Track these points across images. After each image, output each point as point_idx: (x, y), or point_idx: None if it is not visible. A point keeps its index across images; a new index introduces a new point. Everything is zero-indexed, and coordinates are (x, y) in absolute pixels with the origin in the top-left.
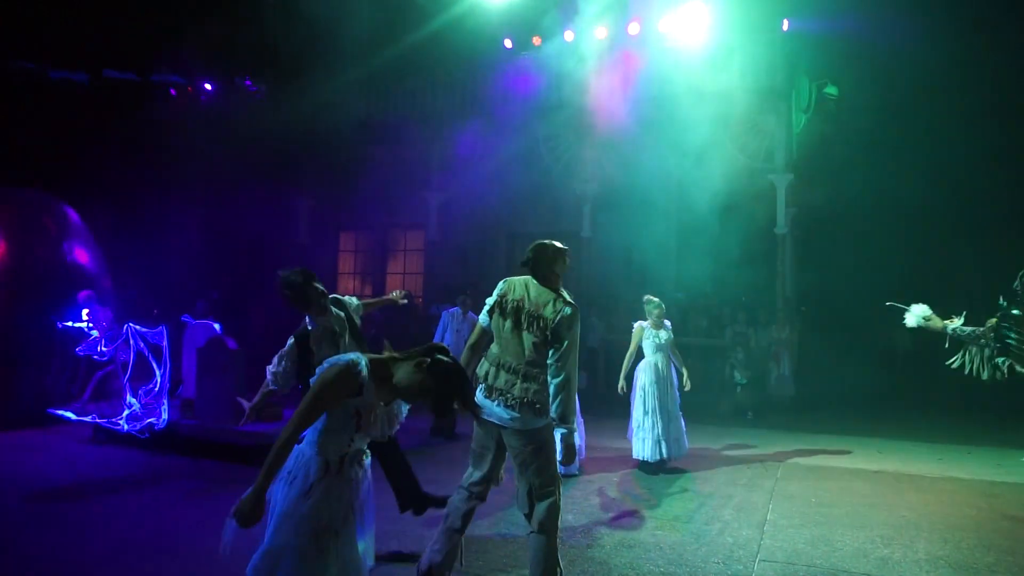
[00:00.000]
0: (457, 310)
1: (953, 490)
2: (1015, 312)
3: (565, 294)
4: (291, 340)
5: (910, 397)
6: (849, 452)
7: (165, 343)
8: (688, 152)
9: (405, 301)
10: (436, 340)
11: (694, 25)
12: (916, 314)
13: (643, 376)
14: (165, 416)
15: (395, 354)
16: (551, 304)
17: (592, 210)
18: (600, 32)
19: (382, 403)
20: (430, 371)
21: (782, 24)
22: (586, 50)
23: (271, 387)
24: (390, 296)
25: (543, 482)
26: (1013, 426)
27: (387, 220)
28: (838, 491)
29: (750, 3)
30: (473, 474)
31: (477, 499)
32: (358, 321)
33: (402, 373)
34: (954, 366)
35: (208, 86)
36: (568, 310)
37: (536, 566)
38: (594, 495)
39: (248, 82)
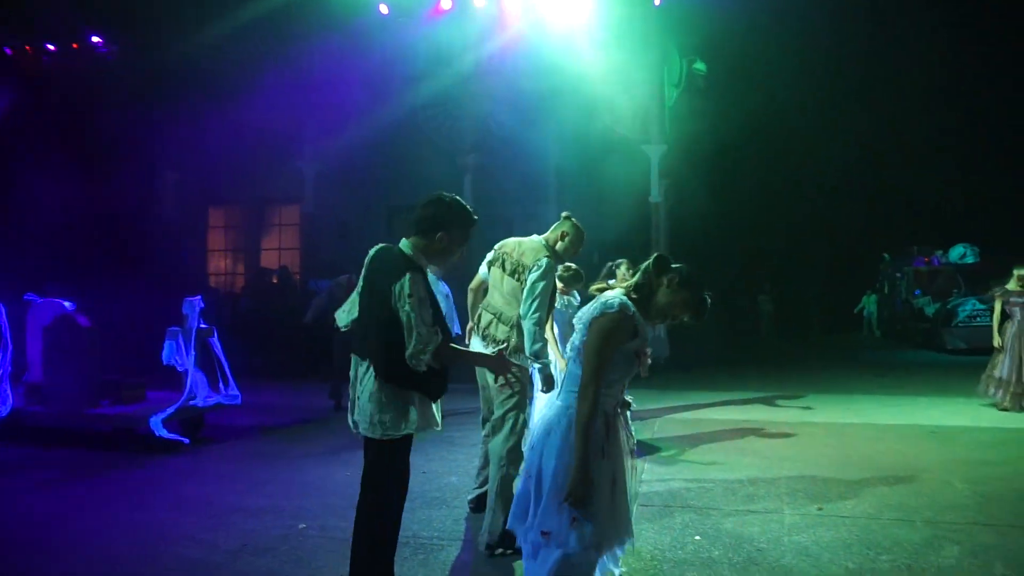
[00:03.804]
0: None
1: (812, 433)
2: None
3: (552, 250)
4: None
5: (772, 354)
6: (719, 405)
7: (4, 322)
8: (565, 123)
9: None
10: (311, 318)
11: None
12: None
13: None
14: (10, 403)
15: (629, 281)
16: (534, 254)
17: (473, 181)
18: (479, 1)
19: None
20: (684, 284)
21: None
22: (464, 19)
23: None
24: None
25: (500, 414)
26: (857, 375)
27: (260, 194)
28: (709, 440)
29: None
30: (483, 411)
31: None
32: None
33: (660, 296)
34: None
35: (51, 46)
36: (545, 260)
37: (489, 495)
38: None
39: (99, 42)
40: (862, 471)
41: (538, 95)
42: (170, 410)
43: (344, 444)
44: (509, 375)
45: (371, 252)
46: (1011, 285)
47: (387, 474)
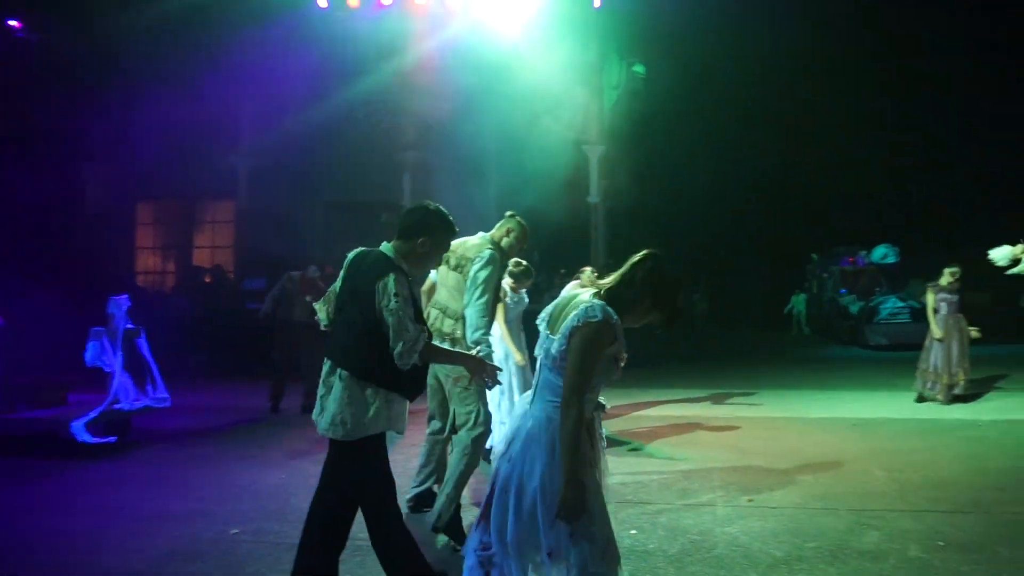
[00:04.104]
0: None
1: (744, 427)
2: None
3: (497, 246)
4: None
5: (706, 352)
6: (656, 403)
7: None
8: (506, 122)
9: None
10: (264, 312)
11: None
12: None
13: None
14: None
15: (599, 283)
16: (477, 248)
17: (412, 179)
18: None
19: None
20: (668, 292)
21: (593, 1)
22: (404, 15)
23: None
24: None
25: (462, 408)
26: (788, 371)
27: (192, 189)
28: (646, 437)
29: None
30: (431, 408)
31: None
32: None
33: (644, 302)
34: None
35: None
36: (488, 252)
37: (444, 484)
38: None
39: (18, 25)
40: (791, 463)
41: (478, 93)
42: (93, 413)
43: (279, 447)
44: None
45: (351, 256)
46: (942, 281)
47: (346, 475)
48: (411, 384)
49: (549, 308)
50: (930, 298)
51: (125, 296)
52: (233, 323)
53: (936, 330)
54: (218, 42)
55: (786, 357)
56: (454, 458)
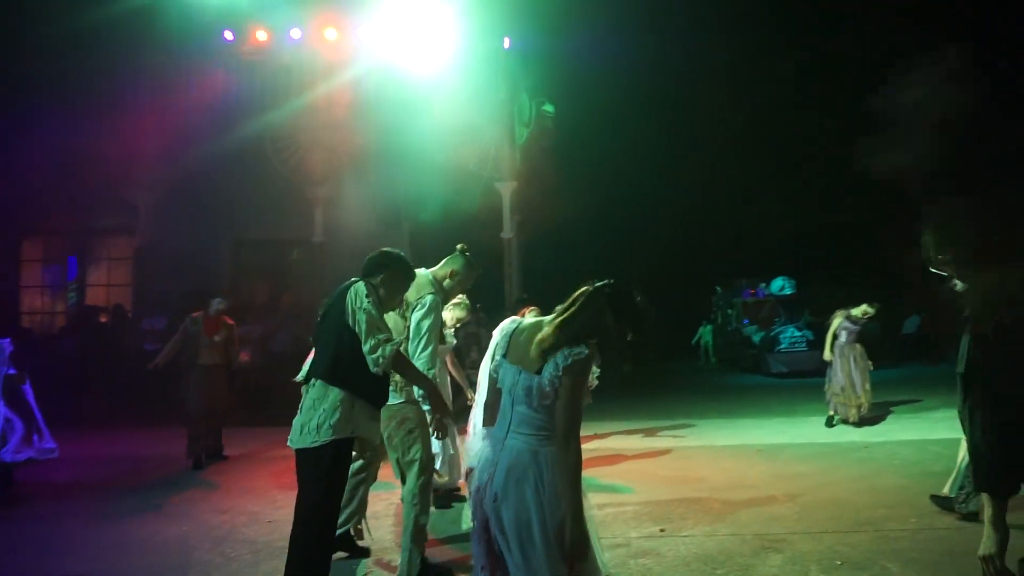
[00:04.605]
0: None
1: (655, 458)
2: None
3: (439, 286)
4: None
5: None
6: None
7: None
8: (418, 158)
9: None
10: (163, 360)
11: (423, 35)
12: None
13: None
14: None
15: (557, 319)
16: (418, 290)
17: (324, 215)
18: (330, 33)
19: None
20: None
21: (503, 42)
22: (315, 51)
23: None
24: None
25: (406, 456)
26: (696, 400)
27: (85, 224)
28: None
29: (473, 20)
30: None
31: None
32: None
33: (609, 330)
34: None
35: None
36: (429, 298)
37: (403, 540)
38: None
39: None
40: (700, 491)
41: (391, 130)
42: None
43: (178, 497)
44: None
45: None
46: (856, 312)
47: (320, 484)
48: (376, 389)
49: (503, 341)
50: (836, 322)
51: (7, 340)
52: (130, 366)
53: (827, 352)
54: (119, 71)
55: (694, 386)
56: (407, 513)
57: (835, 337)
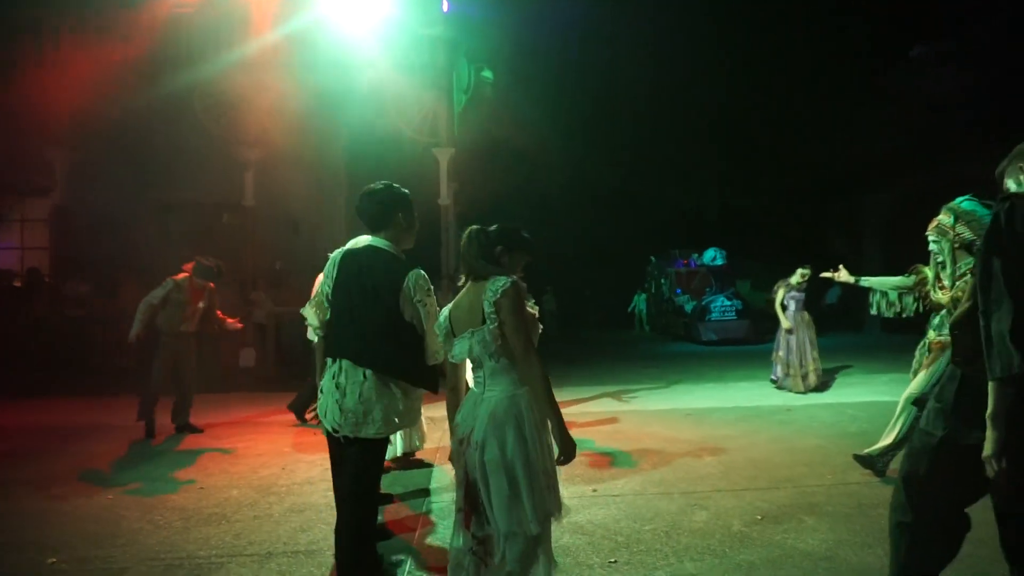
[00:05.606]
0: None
1: (589, 422)
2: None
3: None
4: None
5: (554, 349)
6: None
7: None
8: (354, 122)
9: None
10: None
11: None
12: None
13: None
14: None
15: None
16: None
17: (255, 178)
18: None
19: None
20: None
21: (442, 4)
22: (248, 5)
23: None
24: None
25: None
26: (630, 367)
27: None
28: None
29: None
30: None
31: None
32: None
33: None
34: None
35: None
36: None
37: None
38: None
39: None
40: (631, 452)
41: (326, 91)
42: None
43: (107, 465)
44: None
45: (338, 256)
46: (793, 280)
47: (373, 473)
48: (433, 376)
49: (444, 324)
50: (780, 294)
51: None
52: (48, 333)
53: (785, 321)
54: (36, 20)
55: (628, 354)
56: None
57: (784, 307)
